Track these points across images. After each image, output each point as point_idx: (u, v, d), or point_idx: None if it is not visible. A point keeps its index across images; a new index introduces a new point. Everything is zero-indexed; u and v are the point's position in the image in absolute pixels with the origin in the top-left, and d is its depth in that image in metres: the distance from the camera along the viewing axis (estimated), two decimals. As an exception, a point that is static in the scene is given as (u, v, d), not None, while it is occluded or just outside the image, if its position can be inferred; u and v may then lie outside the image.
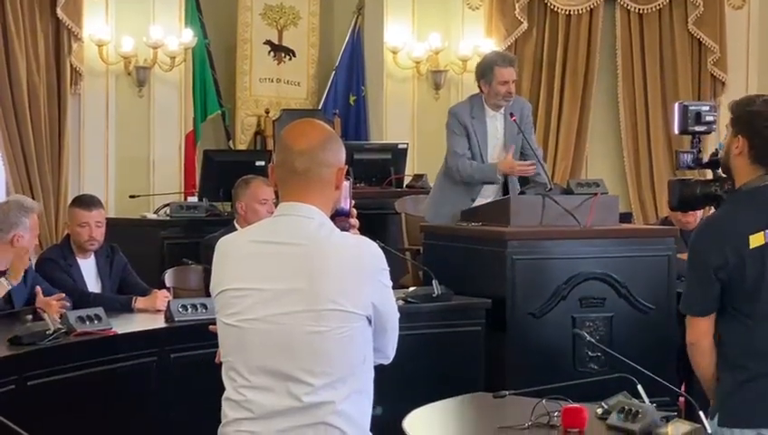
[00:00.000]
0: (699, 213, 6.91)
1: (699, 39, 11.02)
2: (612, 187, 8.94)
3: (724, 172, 4.10)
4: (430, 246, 7.39)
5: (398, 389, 5.28)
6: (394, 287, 3.20)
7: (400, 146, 9.84)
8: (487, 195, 7.45)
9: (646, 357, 5.86)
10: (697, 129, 4.43)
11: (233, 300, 3.06)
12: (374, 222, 8.23)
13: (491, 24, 10.85)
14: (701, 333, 3.95)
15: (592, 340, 5.75)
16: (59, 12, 9.21)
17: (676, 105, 4.49)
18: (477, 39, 10.78)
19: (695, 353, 3.97)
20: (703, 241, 3.96)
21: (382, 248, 3.15)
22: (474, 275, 6.87)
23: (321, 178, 3.09)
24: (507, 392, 4.60)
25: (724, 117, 4.08)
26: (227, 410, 3.07)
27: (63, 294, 5.89)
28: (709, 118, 4.44)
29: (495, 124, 7.52)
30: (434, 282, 6.52)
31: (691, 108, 4.45)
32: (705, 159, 4.32)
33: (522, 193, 7.39)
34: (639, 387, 4.29)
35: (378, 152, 9.74)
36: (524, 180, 7.61)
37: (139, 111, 9.91)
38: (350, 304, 2.99)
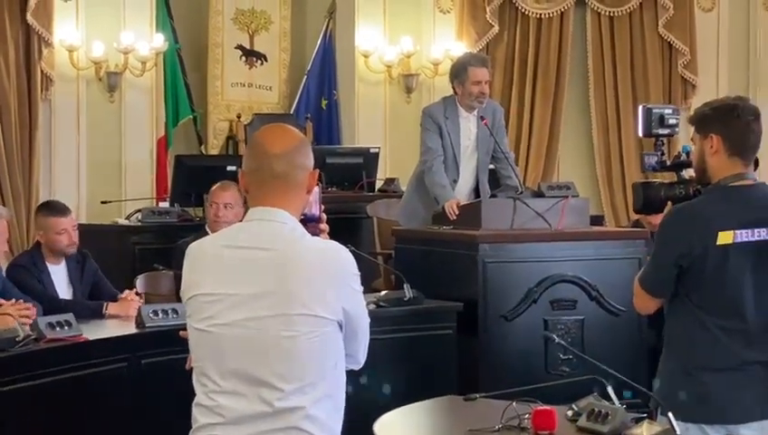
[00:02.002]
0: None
1: (670, 42, 11.07)
2: (584, 189, 8.98)
3: (697, 177, 4.15)
4: (402, 249, 7.40)
5: (370, 393, 5.28)
6: (366, 291, 3.20)
7: (372, 150, 9.83)
8: (459, 198, 7.46)
9: (617, 359, 5.90)
10: (661, 131, 4.49)
11: (204, 305, 3.05)
12: (346, 226, 8.22)
13: (462, 27, 10.87)
14: (645, 307, 4.21)
15: (563, 342, 5.76)
16: (29, 17, 9.18)
17: (640, 108, 4.54)
18: (449, 43, 10.80)
19: (638, 309, 4.30)
20: (673, 226, 4.03)
21: (353, 253, 3.16)
22: (445, 278, 6.88)
23: (297, 182, 3.10)
24: (478, 395, 4.60)
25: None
26: (198, 416, 3.06)
27: (28, 304, 5.82)
28: (672, 121, 4.50)
29: (468, 126, 7.53)
30: (405, 286, 6.52)
31: (654, 111, 4.51)
32: (669, 161, 4.38)
33: (493, 196, 7.41)
34: (609, 389, 4.30)
35: (350, 156, 9.73)
36: (496, 184, 7.63)
37: (111, 116, 9.89)
38: (320, 309, 2.99)
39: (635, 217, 8.42)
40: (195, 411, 3.07)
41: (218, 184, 7.01)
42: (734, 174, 3.99)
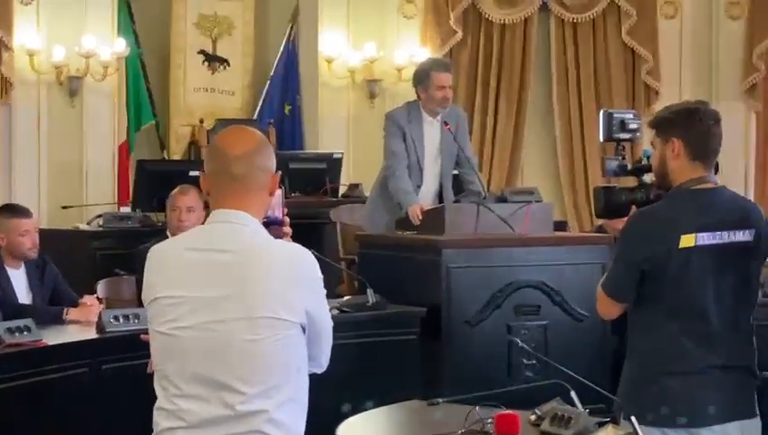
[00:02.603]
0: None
1: (633, 48, 11.15)
2: (547, 195, 9.01)
3: (658, 181, 4.16)
4: (365, 255, 7.39)
5: (334, 397, 5.26)
6: (329, 297, 3.19)
7: (335, 155, 9.83)
8: (423, 203, 7.45)
9: (580, 364, 5.88)
10: (622, 136, 4.51)
11: (166, 308, 3.03)
12: (309, 231, 8.19)
13: (426, 33, 10.89)
14: (609, 312, 4.18)
15: (526, 347, 5.77)
16: (-11, 21, 9.12)
17: (602, 113, 4.57)
18: (412, 48, 10.81)
19: (601, 314, 4.27)
20: (635, 230, 4.05)
21: (317, 258, 3.15)
22: (409, 283, 6.87)
23: (257, 184, 3.08)
24: (441, 400, 4.59)
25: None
26: (159, 420, 3.04)
27: None
28: (633, 126, 4.52)
29: (432, 131, 7.53)
30: (369, 291, 6.51)
31: (615, 115, 4.53)
32: (630, 166, 4.39)
33: (456, 201, 7.41)
34: (573, 393, 4.30)
35: (313, 162, 9.73)
36: (459, 189, 7.63)
37: (72, 120, 9.83)
38: (284, 312, 2.97)
39: (598, 222, 8.45)
40: (156, 415, 3.05)
41: (177, 188, 6.95)
42: (696, 178, 4.00)
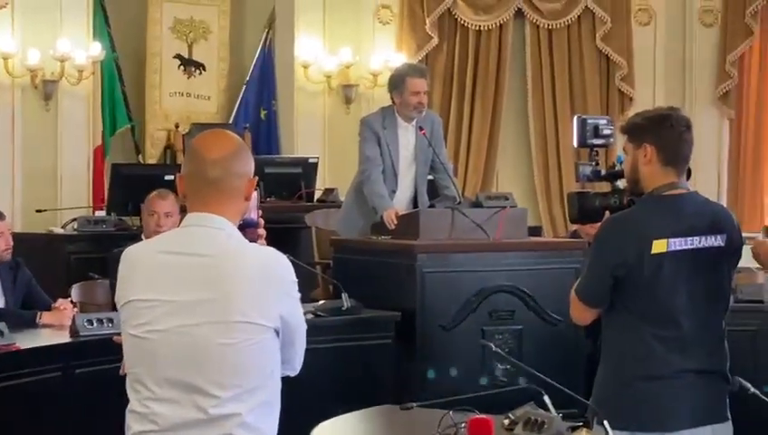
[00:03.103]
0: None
1: (607, 54, 11.20)
2: (522, 200, 9.03)
3: (630, 187, 4.18)
4: (340, 259, 7.38)
5: (307, 401, 5.26)
6: (304, 301, 3.19)
7: (311, 160, 9.83)
8: (398, 208, 7.46)
9: (555, 369, 5.88)
10: (595, 142, 4.52)
11: (140, 311, 3.02)
12: (284, 236, 8.18)
13: (402, 38, 10.91)
14: (582, 317, 4.20)
15: (500, 351, 5.77)
16: (-37, 24, 9.09)
17: (575, 119, 4.58)
18: (388, 54, 10.81)
19: (574, 320, 4.27)
20: (608, 236, 4.06)
21: (292, 262, 3.14)
22: (384, 288, 6.88)
23: (232, 188, 3.07)
24: (414, 404, 4.59)
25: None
26: (132, 423, 3.03)
27: None
28: (607, 131, 4.53)
29: (407, 136, 7.54)
30: (343, 295, 6.51)
31: (589, 121, 4.54)
32: (604, 171, 4.41)
33: (431, 206, 7.43)
34: (546, 398, 4.31)
35: (288, 166, 9.72)
36: (434, 193, 7.65)
37: (47, 124, 9.79)
38: (258, 316, 2.96)
39: (573, 227, 8.49)
40: (128, 418, 3.04)
41: (155, 193, 6.92)
42: (667, 183, 4.03)
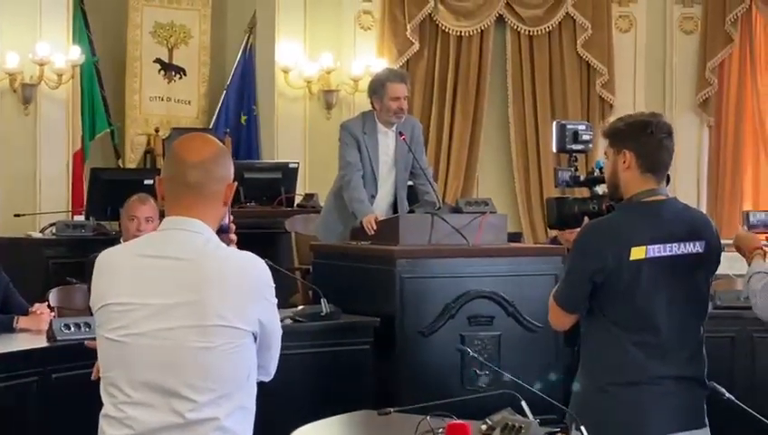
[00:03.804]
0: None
1: (588, 61, 11.23)
2: (503, 206, 9.04)
3: (609, 191, 4.18)
4: (319, 264, 7.37)
5: (285, 406, 5.26)
6: (283, 306, 3.18)
7: (291, 165, 9.81)
8: (377, 213, 7.45)
9: (533, 375, 5.92)
10: (575, 147, 4.53)
11: (116, 314, 3.00)
12: (264, 241, 8.17)
13: (383, 44, 10.92)
14: (561, 323, 4.20)
15: (479, 357, 5.78)
16: (-58, 27, 9.05)
17: (554, 124, 4.58)
18: (369, 59, 10.82)
19: (553, 325, 4.28)
20: (587, 242, 4.06)
21: (271, 267, 3.14)
22: (363, 293, 6.86)
23: (212, 193, 3.06)
24: (392, 410, 4.59)
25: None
26: (106, 428, 3.01)
27: None
28: (586, 137, 4.54)
29: (387, 141, 7.54)
30: (322, 300, 6.49)
31: (568, 127, 4.55)
32: (583, 177, 4.41)
33: (411, 212, 7.41)
34: (523, 403, 4.31)
35: (268, 171, 9.70)
36: (414, 199, 7.64)
37: (25, 128, 9.76)
38: (236, 320, 2.96)
39: (553, 233, 8.50)
40: (102, 423, 3.02)
41: (135, 197, 6.88)
42: (647, 190, 4.02)
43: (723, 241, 4.18)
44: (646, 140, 4.00)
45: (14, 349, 5.62)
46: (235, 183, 3.16)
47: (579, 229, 4.21)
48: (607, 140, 4.12)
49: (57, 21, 9.86)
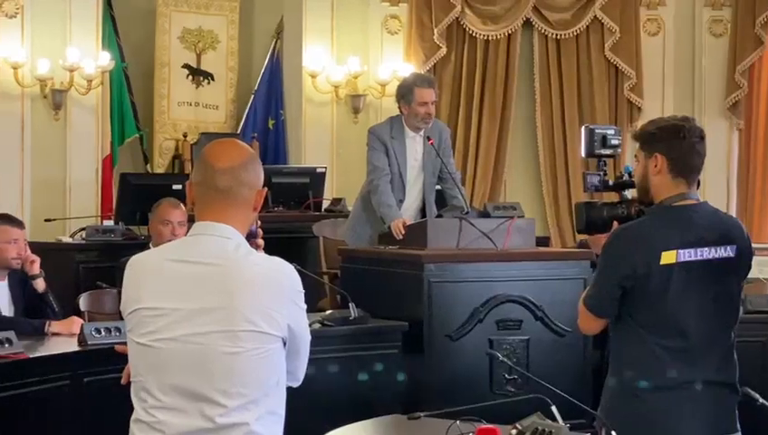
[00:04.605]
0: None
1: (616, 65, 11.17)
2: (530, 210, 9.03)
3: (639, 195, 4.17)
4: (348, 269, 7.38)
5: (314, 411, 5.26)
6: (312, 311, 3.19)
7: (319, 170, 9.83)
8: (405, 218, 7.46)
9: (562, 379, 5.90)
10: (603, 152, 4.51)
11: (147, 319, 3.01)
12: (292, 245, 8.19)
13: (410, 48, 10.91)
14: (590, 328, 4.19)
15: (506, 360, 5.77)
16: (-27, 34, 9.13)
17: (583, 129, 4.56)
18: (396, 63, 10.82)
19: (582, 330, 4.29)
20: (616, 247, 4.05)
21: (299, 271, 3.14)
22: (391, 298, 6.87)
23: (241, 198, 3.08)
24: (422, 414, 4.59)
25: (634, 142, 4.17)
26: (137, 432, 3.02)
27: None
28: (615, 141, 4.52)
29: (415, 146, 7.55)
30: (351, 305, 6.50)
31: (597, 131, 4.53)
32: (612, 181, 4.40)
33: (439, 216, 7.42)
34: (553, 408, 4.31)
35: (296, 176, 9.72)
36: (442, 203, 7.64)
37: (56, 134, 9.82)
38: (266, 326, 2.97)
39: (581, 237, 8.47)
40: (133, 428, 3.03)
41: (166, 202, 6.90)
42: (677, 194, 4.01)
43: (753, 245, 4.17)
44: (677, 144, 3.99)
45: (46, 353, 5.66)
46: (265, 189, 3.18)
47: (608, 234, 4.20)
48: (638, 143, 4.11)
49: (87, 27, 9.92)
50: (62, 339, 6.00)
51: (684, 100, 11.26)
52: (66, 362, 5.57)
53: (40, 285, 6.43)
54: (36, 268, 6.45)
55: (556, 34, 11.12)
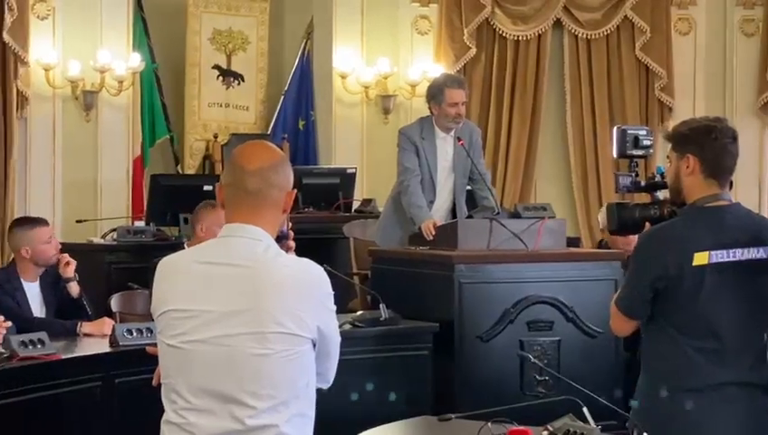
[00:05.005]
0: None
1: (646, 64, 11.12)
2: (561, 211, 8.99)
3: (672, 196, 4.15)
4: (378, 270, 7.38)
5: (345, 412, 5.26)
6: (342, 312, 3.19)
7: (349, 170, 9.83)
8: (436, 219, 7.45)
9: (593, 381, 5.89)
10: (635, 152, 4.49)
11: (176, 321, 3.03)
12: (322, 246, 8.21)
13: (440, 49, 10.90)
14: (622, 329, 4.19)
15: (538, 362, 5.76)
16: (5, 36, 9.17)
17: (615, 129, 4.56)
18: (426, 64, 10.81)
19: (614, 331, 4.27)
20: (648, 248, 4.04)
21: (329, 273, 3.15)
22: (421, 299, 6.87)
23: (271, 200, 3.09)
24: (453, 416, 4.59)
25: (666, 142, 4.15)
26: (168, 434, 3.04)
27: (3, 319, 5.78)
28: (647, 142, 4.50)
29: (445, 147, 7.55)
30: (381, 306, 6.50)
31: (629, 132, 4.52)
32: (643, 182, 4.39)
33: (469, 217, 7.41)
34: (585, 410, 4.29)
35: (326, 177, 9.73)
36: (472, 204, 7.63)
37: (87, 135, 9.86)
38: (296, 327, 2.97)
39: (603, 235, 8.44)
40: (164, 429, 3.05)
41: (208, 205, 6.69)
42: (710, 195, 4.00)
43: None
44: (710, 144, 3.98)
45: (78, 354, 5.69)
46: (295, 190, 3.18)
47: (639, 235, 4.19)
48: (670, 144, 4.09)
49: (118, 29, 9.96)
50: (94, 340, 6.03)
51: (715, 99, 11.20)
52: (98, 363, 5.60)
53: (74, 289, 6.45)
54: (71, 271, 6.47)
55: (586, 34, 11.09)
